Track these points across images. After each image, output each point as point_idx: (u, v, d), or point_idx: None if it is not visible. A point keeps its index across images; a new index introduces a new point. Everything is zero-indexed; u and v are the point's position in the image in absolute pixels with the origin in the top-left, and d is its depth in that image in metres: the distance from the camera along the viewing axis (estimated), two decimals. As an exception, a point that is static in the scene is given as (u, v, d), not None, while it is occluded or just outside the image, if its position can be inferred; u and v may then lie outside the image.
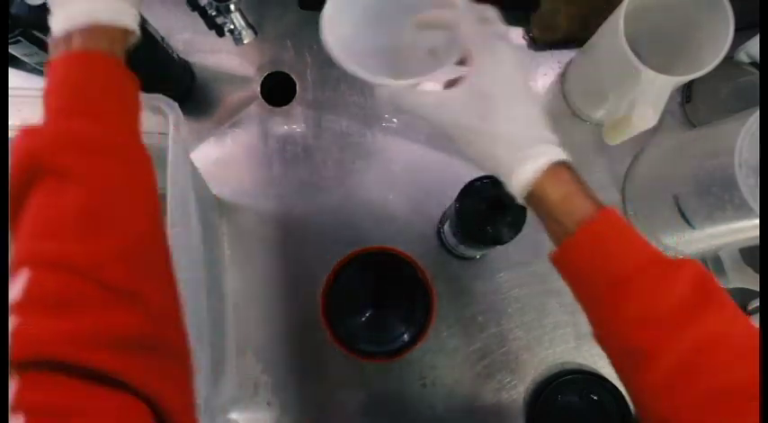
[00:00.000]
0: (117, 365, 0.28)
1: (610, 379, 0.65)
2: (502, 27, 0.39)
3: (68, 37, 0.37)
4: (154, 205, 0.35)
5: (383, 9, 0.42)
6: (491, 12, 0.39)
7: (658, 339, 0.32)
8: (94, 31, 0.37)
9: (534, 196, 0.36)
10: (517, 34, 0.73)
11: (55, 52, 0.37)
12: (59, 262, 0.29)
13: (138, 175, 0.35)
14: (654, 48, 0.60)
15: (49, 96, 0.36)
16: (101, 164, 0.33)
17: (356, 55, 0.39)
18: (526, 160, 0.35)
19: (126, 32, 0.39)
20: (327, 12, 0.40)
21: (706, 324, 0.32)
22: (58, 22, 0.37)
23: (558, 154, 0.36)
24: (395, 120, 0.71)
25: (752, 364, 0.30)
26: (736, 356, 0.31)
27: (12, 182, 0.32)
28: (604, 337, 0.36)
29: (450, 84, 0.41)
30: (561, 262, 0.37)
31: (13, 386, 0.26)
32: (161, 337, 0.31)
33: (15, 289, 0.28)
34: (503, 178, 0.37)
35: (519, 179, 0.36)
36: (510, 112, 0.36)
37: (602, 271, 0.34)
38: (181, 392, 0.32)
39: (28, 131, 0.34)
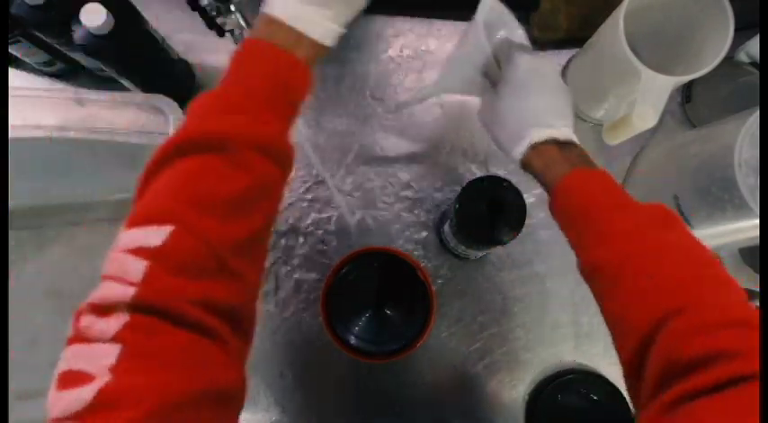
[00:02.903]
0: (213, 324, 0.32)
1: (610, 379, 0.65)
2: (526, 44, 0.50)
3: (271, 21, 0.39)
4: (278, 204, 0.40)
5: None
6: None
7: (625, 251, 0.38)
8: (301, 39, 0.39)
9: (525, 167, 0.46)
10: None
11: (263, 26, 0.39)
12: (200, 233, 0.33)
13: (284, 177, 0.39)
14: (654, 48, 0.60)
15: (241, 71, 0.38)
16: (265, 161, 0.37)
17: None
18: (515, 145, 0.46)
19: (324, 49, 0.41)
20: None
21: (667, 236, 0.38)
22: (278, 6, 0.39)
23: (541, 134, 0.44)
24: (395, 120, 0.71)
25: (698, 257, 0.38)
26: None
27: (174, 137, 0.35)
28: (583, 268, 0.42)
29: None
30: (552, 212, 0.45)
31: (120, 319, 0.30)
32: (246, 311, 0.36)
33: (157, 237, 0.32)
34: (510, 159, 0.47)
35: (513, 156, 0.46)
36: (512, 107, 0.46)
37: (579, 211, 0.42)
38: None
39: (214, 101, 0.37)
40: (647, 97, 0.53)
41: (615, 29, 0.54)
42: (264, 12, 0.39)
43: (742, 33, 0.58)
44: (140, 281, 0.31)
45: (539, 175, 0.45)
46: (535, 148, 0.45)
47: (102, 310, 0.31)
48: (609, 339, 0.67)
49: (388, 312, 0.60)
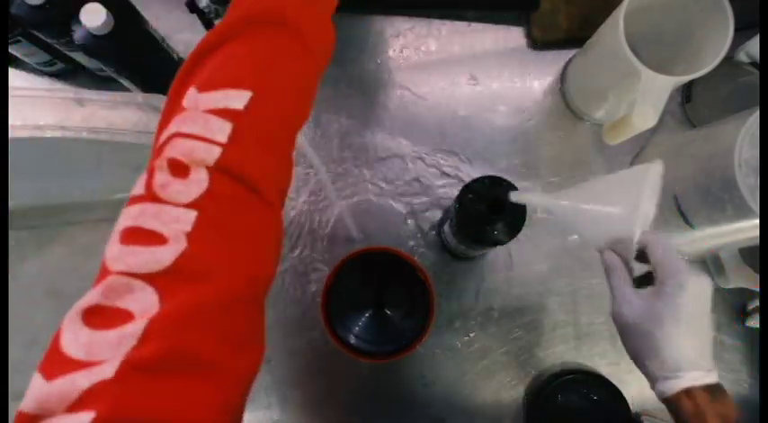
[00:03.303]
0: (279, 205, 0.34)
1: (610, 379, 0.65)
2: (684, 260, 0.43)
3: None
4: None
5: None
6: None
7: None
8: None
9: (668, 402, 0.42)
10: (517, 34, 0.73)
11: None
12: (277, 105, 0.34)
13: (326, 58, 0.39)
14: (654, 48, 0.60)
15: None
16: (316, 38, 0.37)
17: None
18: (668, 379, 0.41)
19: None
20: None
21: None
22: None
23: (699, 379, 0.40)
24: (395, 120, 0.71)
25: None
26: None
27: (235, 12, 0.36)
28: None
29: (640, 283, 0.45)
30: None
31: (202, 184, 0.30)
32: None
33: (239, 100, 0.32)
34: (647, 379, 0.43)
35: (659, 391, 0.42)
36: (671, 339, 0.41)
37: None
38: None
39: None
40: (647, 97, 0.53)
41: (615, 29, 0.54)
42: None
43: (742, 33, 0.58)
44: (227, 142, 0.31)
45: (684, 419, 0.41)
46: (688, 391, 0.41)
47: (181, 168, 0.30)
48: (609, 339, 0.67)
49: (388, 312, 0.60)
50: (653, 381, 0.42)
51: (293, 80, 0.36)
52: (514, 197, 0.50)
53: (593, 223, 0.46)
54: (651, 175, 0.42)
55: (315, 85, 0.38)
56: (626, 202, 0.42)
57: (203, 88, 0.33)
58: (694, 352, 0.41)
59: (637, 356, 0.43)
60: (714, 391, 0.41)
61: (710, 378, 0.41)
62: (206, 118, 0.31)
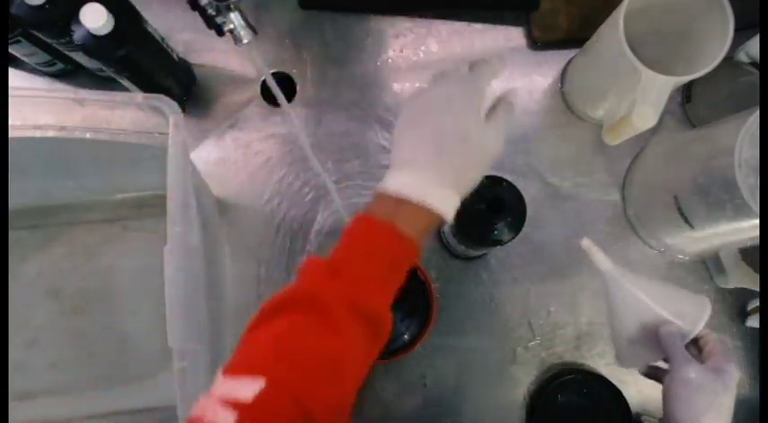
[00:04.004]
0: None
1: (610, 379, 0.65)
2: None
3: (397, 201, 0.39)
4: (367, 371, 0.39)
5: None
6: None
7: None
8: (419, 212, 0.39)
9: None
10: (517, 34, 0.73)
11: (379, 204, 0.40)
12: (291, 391, 0.34)
13: (378, 345, 0.39)
14: (654, 48, 0.60)
15: (355, 246, 0.39)
16: (362, 328, 0.37)
17: None
18: None
19: (440, 218, 0.40)
20: None
21: None
22: (396, 180, 0.39)
23: None
24: (395, 120, 0.71)
25: None
26: None
27: (281, 294, 0.37)
28: None
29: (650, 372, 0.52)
30: None
31: None
32: None
33: (249, 390, 0.33)
34: None
35: None
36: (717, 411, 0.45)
37: None
38: None
39: (323, 266, 0.38)
40: (647, 97, 0.53)
41: (615, 29, 0.54)
42: (380, 187, 0.40)
43: (742, 33, 0.58)
44: None
45: None
46: None
47: None
48: (609, 339, 0.67)
49: (388, 312, 0.60)
50: None
51: (320, 364, 0.36)
52: (586, 244, 0.51)
53: (640, 317, 0.49)
54: (708, 310, 0.48)
55: (354, 365, 0.38)
56: (686, 321, 0.48)
57: (226, 372, 0.35)
58: None
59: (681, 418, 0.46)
60: None
61: None
62: (215, 409, 0.33)
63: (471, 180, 0.41)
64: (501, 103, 0.45)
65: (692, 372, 0.45)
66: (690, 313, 0.48)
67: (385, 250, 0.39)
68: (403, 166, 0.40)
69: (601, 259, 0.51)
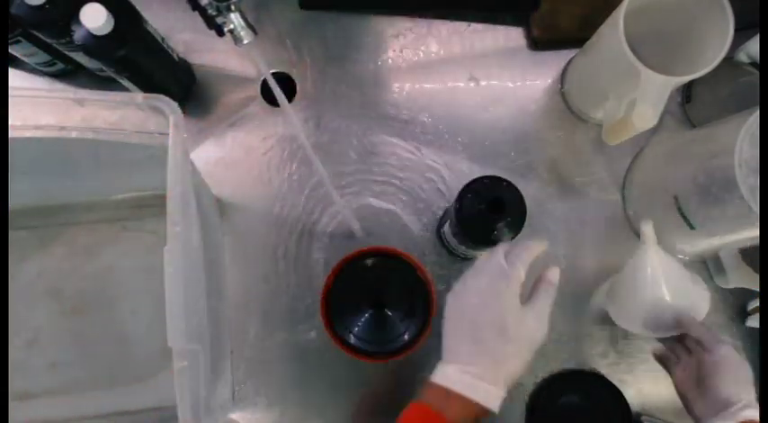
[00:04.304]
0: None
1: (610, 379, 0.65)
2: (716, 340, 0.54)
3: (447, 392, 0.43)
4: None
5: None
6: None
7: None
8: (467, 404, 0.43)
9: None
10: (517, 34, 0.73)
11: (431, 393, 0.44)
12: None
13: None
14: (654, 48, 0.60)
15: None
16: None
17: None
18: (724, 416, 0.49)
19: (487, 411, 0.43)
20: None
21: None
22: (444, 374, 0.44)
23: (749, 416, 0.48)
24: (395, 120, 0.71)
25: None
26: None
27: None
28: None
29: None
30: None
31: None
32: None
33: None
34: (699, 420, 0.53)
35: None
36: (715, 397, 0.51)
37: None
38: None
39: None
40: (647, 97, 0.53)
41: (615, 29, 0.54)
42: (432, 378, 0.44)
43: (742, 33, 0.58)
44: None
45: None
46: None
47: None
48: (609, 339, 0.67)
49: (388, 312, 0.60)
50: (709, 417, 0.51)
51: None
52: (646, 227, 0.58)
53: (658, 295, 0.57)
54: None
55: None
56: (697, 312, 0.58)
57: None
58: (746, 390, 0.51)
59: (688, 405, 0.54)
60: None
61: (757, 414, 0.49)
62: None
63: (515, 371, 0.44)
64: (542, 284, 0.48)
65: (730, 350, 0.53)
66: (698, 304, 0.58)
67: None
68: (450, 360, 0.45)
69: (650, 236, 0.58)
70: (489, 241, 0.57)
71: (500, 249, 0.49)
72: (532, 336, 0.45)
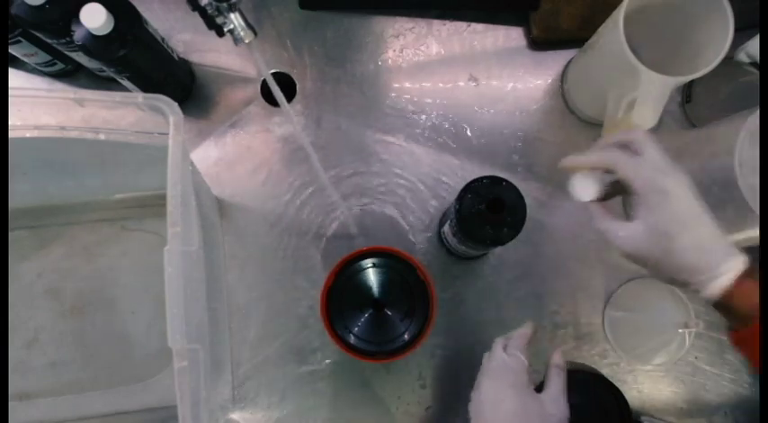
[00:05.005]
0: None
1: (610, 379, 0.65)
2: (655, 154, 0.44)
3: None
4: None
5: None
6: (638, 135, 0.44)
7: None
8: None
9: (724, 308, 0.42)
10: (517, 34, 0.73)
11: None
12: None
13: None
14: (654, 48, 0.60)
15: None
16: None
17: None
18: (710, 282, 0.41)
19: None
20: None
21: None
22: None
23: (738, 265, 0.41)
24: (395, 120, 0.71)
25: None
26: None
27: None
28: None
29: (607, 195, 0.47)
30: (744, 342, 0.42)
31: None
32: None
33: None
34: (692, 292, 0.43)
35: (709, 296, 0.42)
36: (688, 243, 0.41)
37: None
38: None
39: None
40: (647, 97, 0.53)
41: (615, 29, 0.54)
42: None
43: (742, 33, 0.58)
44: None
45: (744, 311, 0.41)
46: (731, 288, 0.41)
47: None
48: (609, 340, 0.67)
49: (388, 312, 0.60)
50: (698, 291, 0.42)
51: None
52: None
53: None
54: None
55: None
56: None
57: None
58: (717, 244, 0.41)
59: (671, 278, 0.43)
60: (753, 271, 0.41)
61: (744, 259, 0.41)
62: None
63: None
64: (551, 369, 0.51)
65: (626, 244, 0.44)
66: None
67: None
68: None
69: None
70: (489, 241, 0.57)
71: (498, 345, 0.52)
72: (554, 415, 0.47)
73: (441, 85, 0.72)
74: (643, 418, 0.66)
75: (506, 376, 0.49)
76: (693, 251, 0.41)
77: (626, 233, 0.43)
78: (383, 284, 0.60)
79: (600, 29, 0.61)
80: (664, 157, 0.44)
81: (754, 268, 0.41)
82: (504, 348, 0.52)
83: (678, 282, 0.43)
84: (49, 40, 0.59)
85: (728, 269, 0.41)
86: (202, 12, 0.49)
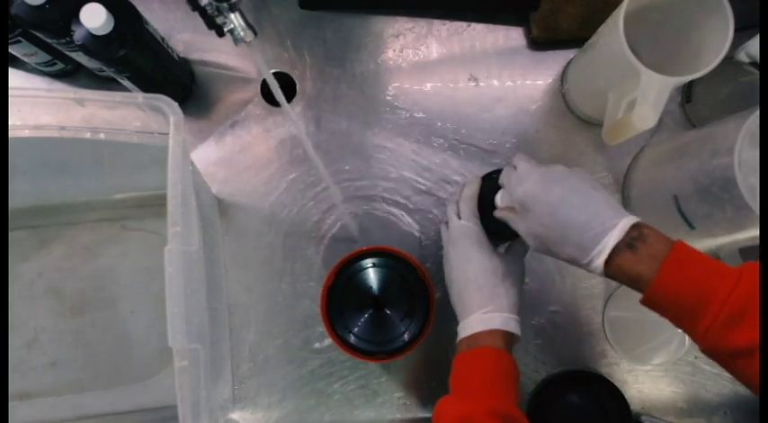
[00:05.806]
0: None
1: (610, 379, 0.65)
2: (524, 164, 0.52)
3: (474, 338, 0.52)
4: None
5: None
6: (516, 156, 0.54)
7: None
8: (494, 336, 0.51)
9: (611, 274, 0.45)
10: (517, 34, 0.73)
11: (464, 347, 0.52)
12: None
13: None
14: (654, 48, 0.60)
15: (472, 378, 0.50)
16: None
17: None
18: (593, 257, 0.45)
19: (513, 336, 0.52)
20: None
21: None
22: (465, 330, 0.53)
23: (610, 241, 0.43)
24: (395, 120, 0.71)
25: None
26: None
27: None
28: (709, 348, 0.41)
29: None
30: (654, 301, 0.43)
31: None
32: None
33: None
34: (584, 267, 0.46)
35: (594, 269, 0.45)
36: (565, 230, 0.46)
37: (689, 295, 0.41)
38: None
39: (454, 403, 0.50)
40: (647, 97, 0.53)
41: (615, 29, 0.54)
42: (458, 339, 0.53)
43: (742, 33, 0.58)
44: None
45: (634, 276, 0.43)
46: (613, 258, 0.43)
47: None
48: (609, 340, 0.67)
49: (388, 312, 0.60)
50: (588, 267, 0.45)
51: None
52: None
53: None
54: None
55: None
56: None
57: None
58: (594, 221, 0.44)
59: (569, 259, 0.47)
60: (635, 238, 0.43)
61: (624, 223, 0.43)
62: None
63: (515, 302, 0.53)
64: (518, 241, 0.56)
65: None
66: None
67: (493, 365, 0.50)
68: (465, 316, 0.53)
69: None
70: (497, 235, 0.57)
71: (452, 214, 0.58)
72: (514, 271, 0.54)
73: (441, 85, 0.72)
74: (643, 417, 0.66)
75: (468, 240, 0.55)
76: (572, 230, 0.45)
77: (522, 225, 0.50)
78: (383, 284, 0.60)
79: (600, 29, 0.61)
80: (530, 162, 0.52)
81: (630, 241, 0.43)
82: (458, 215, 0.57)
83: (573, 261, 0.47)
84: (49, 40, 0.59)
85: (604, 246, 0.43)
86: (202, 12, 0.49)
